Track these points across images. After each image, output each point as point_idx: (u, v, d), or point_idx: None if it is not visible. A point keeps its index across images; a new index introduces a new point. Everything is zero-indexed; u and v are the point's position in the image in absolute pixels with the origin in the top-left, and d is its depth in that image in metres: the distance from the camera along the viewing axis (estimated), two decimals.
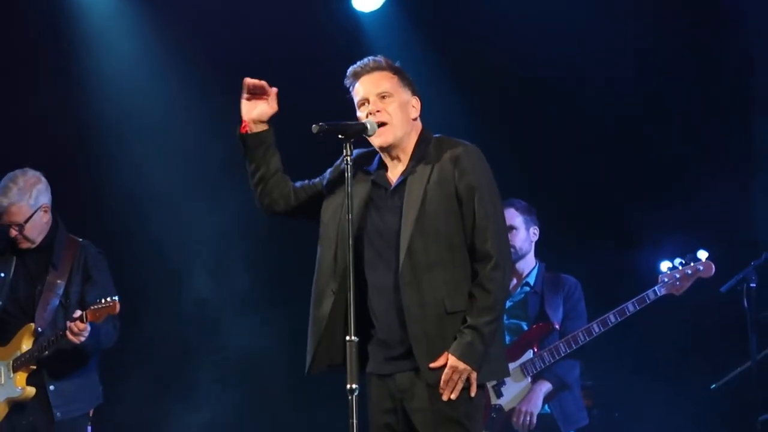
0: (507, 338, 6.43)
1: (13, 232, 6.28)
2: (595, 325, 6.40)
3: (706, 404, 7.63)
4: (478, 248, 4.53)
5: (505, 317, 6.33)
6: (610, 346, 7.97)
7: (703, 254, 6.44)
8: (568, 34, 8.02)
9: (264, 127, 4.73)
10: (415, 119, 4.71)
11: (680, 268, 6.43)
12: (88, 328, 6.01)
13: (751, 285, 6.60)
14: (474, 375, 4.47)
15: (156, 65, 8.36)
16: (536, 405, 6.41)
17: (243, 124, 4.72)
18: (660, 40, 8.08)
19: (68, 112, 8.27)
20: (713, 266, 6.45)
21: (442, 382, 4.46)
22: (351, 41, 8.26)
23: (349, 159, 4.50)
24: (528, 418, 6.38)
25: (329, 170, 4.82)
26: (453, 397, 4.46)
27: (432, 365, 4.48)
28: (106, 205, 8.44)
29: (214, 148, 8.06)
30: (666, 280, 6.43)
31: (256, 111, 4.70)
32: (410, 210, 4.55)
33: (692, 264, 6.44)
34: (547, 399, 6.44)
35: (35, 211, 6.28)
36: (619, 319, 6.39)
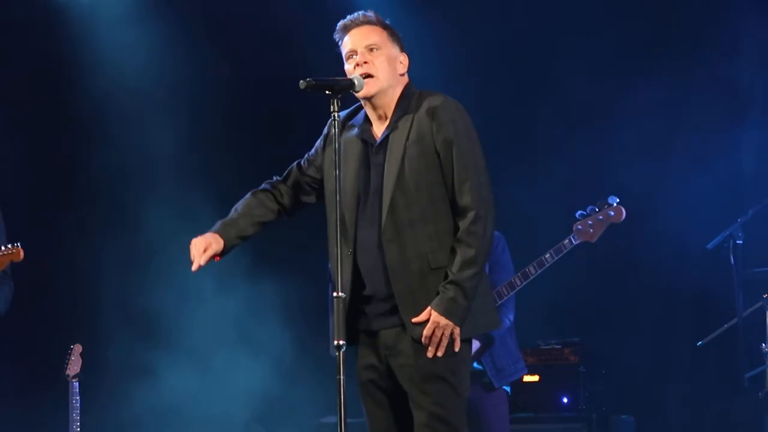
0: None
1: None
2: (516, 279, 6.43)
3: (692, 361, 7.68)
4: (458, 202, 4.52)
5: None
6: (597, 303, 8.04)
7: (613, 199, 6.46)
8: None
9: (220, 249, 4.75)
10: (402, 75, 4.69)
11: (592, 214, 6.45)
12: None
13: (738, 242, 6.62)
14: (457, 330, 4.47)
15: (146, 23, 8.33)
16: None
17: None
18: None
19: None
20: (623, 211, 6.45)
21: (424, 337, 4.45)
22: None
23: (336, 115, 4.48)
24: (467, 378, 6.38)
25: (317, 144, 4.80)
26: (439, 354, 4.47)
27: (415, 320, 4.48)
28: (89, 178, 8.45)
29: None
30: (579, 227, 6.45)
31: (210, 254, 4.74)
32: (391, 167, 4.54)
33: (604, 209, 6.45)
34: (477, 356, 6.45)
35: None
36: (539, 271, 6.41)
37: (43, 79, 8.22)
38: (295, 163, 4.86)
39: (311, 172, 4.81)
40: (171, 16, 8.18)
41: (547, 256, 6.41)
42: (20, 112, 8.11)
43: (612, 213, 6.43)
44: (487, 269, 6.34)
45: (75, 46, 8.24)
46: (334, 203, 4.52)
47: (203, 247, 4.69)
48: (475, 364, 6.44)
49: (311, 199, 4.85)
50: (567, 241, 6.42)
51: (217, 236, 4.73)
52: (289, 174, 4.86)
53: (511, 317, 6.54)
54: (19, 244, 5.91)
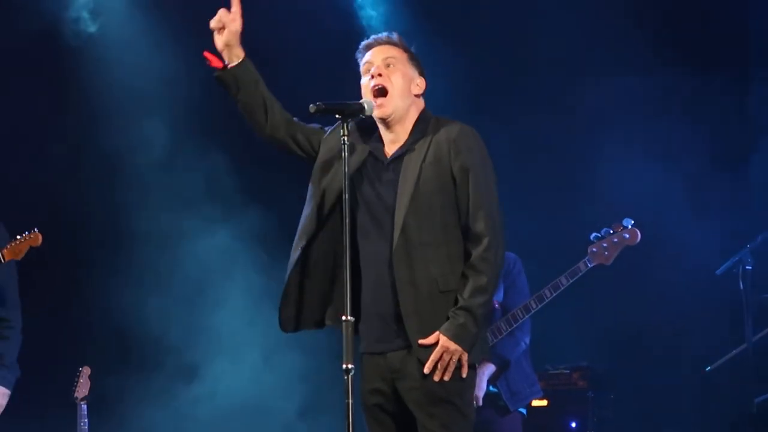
0: None
1: None
2: (532, 302, 6.43)
3: (701, 386, 7.66)
4: (470, 229, 4.53)
5: None
6: (606, 327, 8.03)
7: (628, 221, 6.46)
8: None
9: (239, 58, 4.62)
10: (417, 96, 4.70)
11: (607, 237, 6.45)
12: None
13: (747, 267, 6.62)
14: (465, 356, 4.47)
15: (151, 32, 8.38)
16: (480, 387, 6.37)
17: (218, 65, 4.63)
18: None
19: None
20: (638, 233, 6.46)
21: (431, 361, 4.45)
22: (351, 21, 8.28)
23: (346, 139, 4.48)
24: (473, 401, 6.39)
25: (330, 128, 4.75)
26: (446, 378, 4.46)
27: (422, 342, 4.47)
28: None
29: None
30: (594, 250, 6.45)
31: (225, 37, 4.60)
32: (405, 187, 4.55)
33: (618, 232, 6.45)
34: (493, 380, 6.44)
35: None
36: (554, 294, 6.40)
37: (42, 79, 8.25)
38: (317, 124, 4.77)
39: (312, 141, 4.73)
40: (171, 17, 8.21)
41: (563, 279, 6.41)
42: (20, 113, 8.15)
43: (627, 235, 6.43)
44: (502, 292, 6.42)
45: (73, 46, 8.30)
46: (316, 205, 4.58)
47: (232, 18, 4.57)
48: (490, 387, 6.44)
49: (294, 150, 4.73)
50: (582, 263, 6.42)
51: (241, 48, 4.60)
52: (305, 124, 4.75)
53: (527, 340, 6.54)
54: (36, 229, 5.93)
